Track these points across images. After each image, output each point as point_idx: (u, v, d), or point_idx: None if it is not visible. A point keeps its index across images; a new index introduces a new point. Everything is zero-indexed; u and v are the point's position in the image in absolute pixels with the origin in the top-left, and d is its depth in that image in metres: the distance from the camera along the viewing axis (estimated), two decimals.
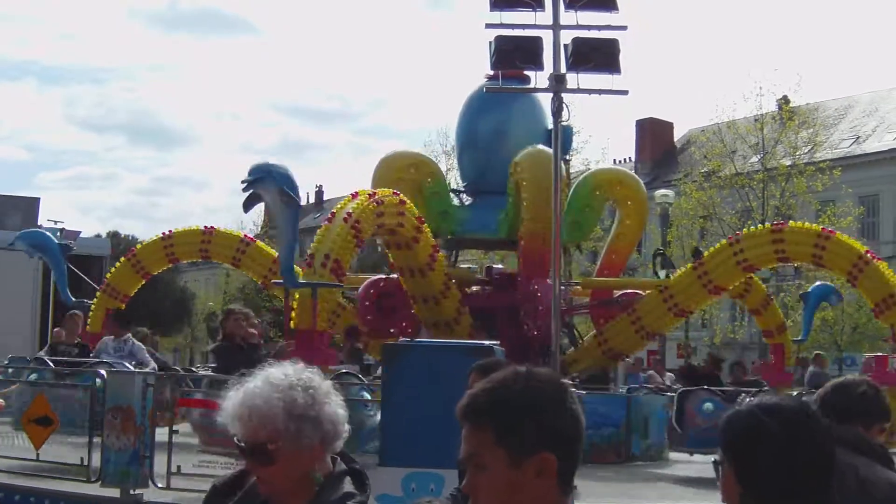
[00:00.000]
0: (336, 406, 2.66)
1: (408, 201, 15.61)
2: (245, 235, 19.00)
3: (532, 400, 2.03)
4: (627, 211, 19.10)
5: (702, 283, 16.68)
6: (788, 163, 35.39)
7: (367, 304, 17.02)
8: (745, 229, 18.64)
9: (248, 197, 12.09)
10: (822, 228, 17.01)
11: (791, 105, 36.34)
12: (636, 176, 21.34)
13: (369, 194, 14.74)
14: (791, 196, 35.04)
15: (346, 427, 2.68)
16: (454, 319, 16.44)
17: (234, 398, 2.61)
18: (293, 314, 13.21)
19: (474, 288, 18.75)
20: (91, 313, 17.37)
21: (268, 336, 30.34)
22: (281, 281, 13.15)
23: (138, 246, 16.92)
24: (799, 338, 20.49)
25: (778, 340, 19.08)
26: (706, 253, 17.57)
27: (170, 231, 18.23)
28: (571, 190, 19.45)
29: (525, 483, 2.01)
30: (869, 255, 15.85)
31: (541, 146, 16.57)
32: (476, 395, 2.08)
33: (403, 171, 18.21)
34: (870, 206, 43.53)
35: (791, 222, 18.49)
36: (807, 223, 17.72)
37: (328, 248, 13.56)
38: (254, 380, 2.62)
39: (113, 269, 18.42)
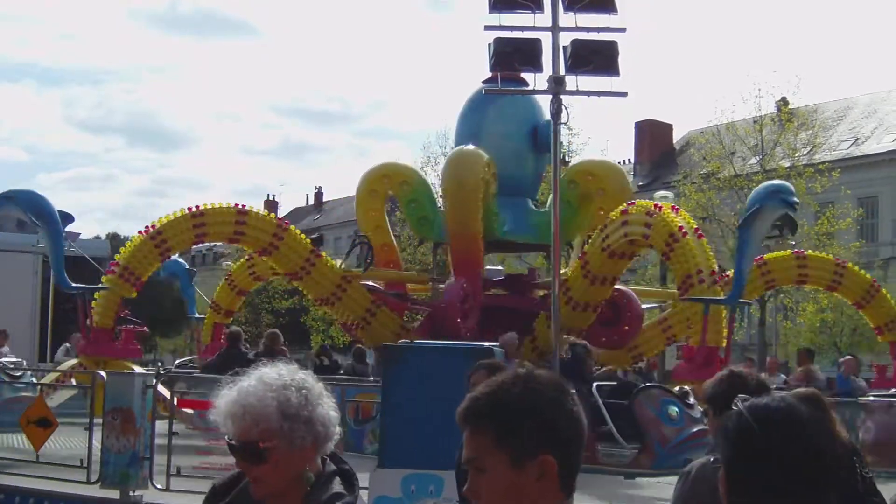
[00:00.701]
0: (328, 408, 2.67)
1: (252, 210, 16.35)
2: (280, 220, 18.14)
3: (532, 402, 2.04)
4: (602, 202, 17.92)
5: (583, 274, 15.75)
6: (787, 164, 35.36)
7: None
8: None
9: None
10: (654, 205, 15.56)
11: (790, 107, 36.31)
12: (614, 164, 20.58)
13: (189, 209, 15.88)
14: None
15: (338, 430, 2.70)
16: (363, 319, 16.69)
17: (227, 396, 2.61)
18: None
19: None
20: (97, 304, 16.98)
21: None
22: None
23: (161, 220, 16.87)
24: None
25: (890, 338, 17.65)
26: (587, 246, 16.28)
27: (198, 207, 16.84)
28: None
29: (526, 485, 2.02)
30: (682, 232, 14.35)
31: (469, 146, 16.69)
32: (476, 399, 2.09)
33: (375, 182, 18.61)
34: (869, 207, 43.52)
35: (810, 251, 18.21)
36: (806, 225, 17.56)
37: (124, 257, 15.37)
38: (248, 379, 2.62)
39: (127, 245, 17.73)
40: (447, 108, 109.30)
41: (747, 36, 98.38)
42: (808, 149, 36.59)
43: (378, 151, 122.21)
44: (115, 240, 54.32)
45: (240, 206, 16.25)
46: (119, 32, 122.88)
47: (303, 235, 16.78)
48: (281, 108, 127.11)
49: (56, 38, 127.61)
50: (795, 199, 13.93)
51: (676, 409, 11.81)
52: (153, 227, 15.50)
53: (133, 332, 16.39)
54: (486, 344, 8.65)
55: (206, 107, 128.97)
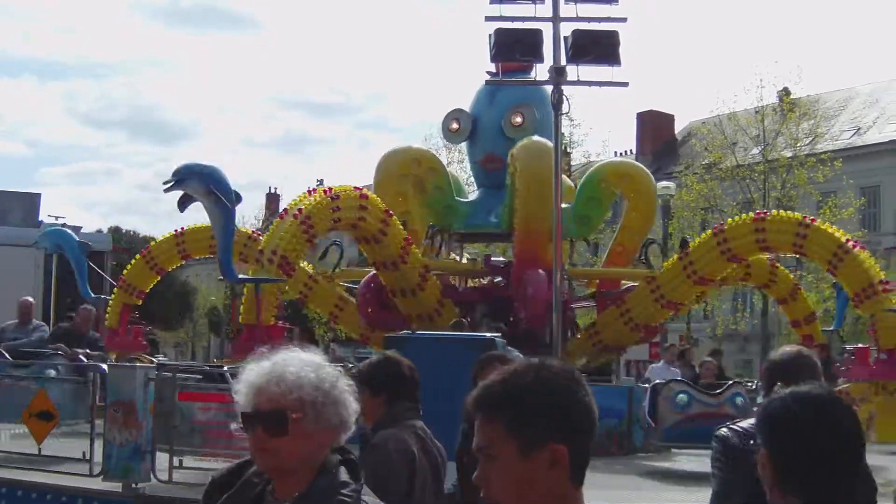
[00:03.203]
0: (353, 399, 2.67)
1: (371, 195, 15.82)
2: (253, 231, 19.19)
3: (544, 391, 2.03)
4: (634, 203, 18.70)
5: (686, 274, 16.32)
6: (789, 154, 35.33)
7: (367, 297, 17.08)
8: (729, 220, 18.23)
9: (180, 197, 12.50)
10: (803, 217, 16.31)
11: (792, 97, 36.26)
12: (644, 168, 21.02)
13: (325, 191, 15.39)
14: (792, 187, 34.99)
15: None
16: (436, 311, 16.52)
17: (257, 368, 2.59)
18: (241, 309, 14.74)
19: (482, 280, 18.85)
20: (109, 309, 18.33)
21: None
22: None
23: (153, 243, 18.51)
24: (831, 328, 20.15)
25: (806, 331, 18.36)
26: (692, 244, 17.11)
27: (182, 229, 18.48)
28: (580, 183, 19.38)
29: (537, 474, 2.01)
30: (850, 243, 15.32)
31: (536, 137, 16.60)
32: (489, 387, 2.08)
33: (406, 166, 18.11)
34: (871, 196, 43.50)
35: (774, 211, 18.28)
36: (794, 213, 17.37)
37: (276, 244, 14.29)
38: (282, 355, 2.62)
39: (129, 267, 19.07)
40: (446, 100, 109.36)
41: (749, 26, 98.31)
42: (810, 139, 36.55)
43: (379, 143, 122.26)
44: (116, 233, 54.35)
45: (362, 190, 16.12)
46: (120, 26, 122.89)
47: None
48: (282, 101, 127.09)
49: (56, 32, 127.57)
50: None
51: (686, 397, 13.33)
52: (300, 211, 14.84)
53: (140, 329, 18.20)
54: (488, 335, 8.64)
55: (208, 100, 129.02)
